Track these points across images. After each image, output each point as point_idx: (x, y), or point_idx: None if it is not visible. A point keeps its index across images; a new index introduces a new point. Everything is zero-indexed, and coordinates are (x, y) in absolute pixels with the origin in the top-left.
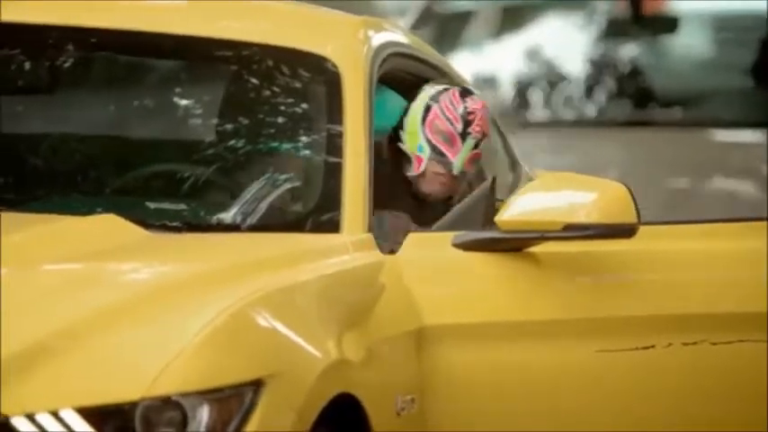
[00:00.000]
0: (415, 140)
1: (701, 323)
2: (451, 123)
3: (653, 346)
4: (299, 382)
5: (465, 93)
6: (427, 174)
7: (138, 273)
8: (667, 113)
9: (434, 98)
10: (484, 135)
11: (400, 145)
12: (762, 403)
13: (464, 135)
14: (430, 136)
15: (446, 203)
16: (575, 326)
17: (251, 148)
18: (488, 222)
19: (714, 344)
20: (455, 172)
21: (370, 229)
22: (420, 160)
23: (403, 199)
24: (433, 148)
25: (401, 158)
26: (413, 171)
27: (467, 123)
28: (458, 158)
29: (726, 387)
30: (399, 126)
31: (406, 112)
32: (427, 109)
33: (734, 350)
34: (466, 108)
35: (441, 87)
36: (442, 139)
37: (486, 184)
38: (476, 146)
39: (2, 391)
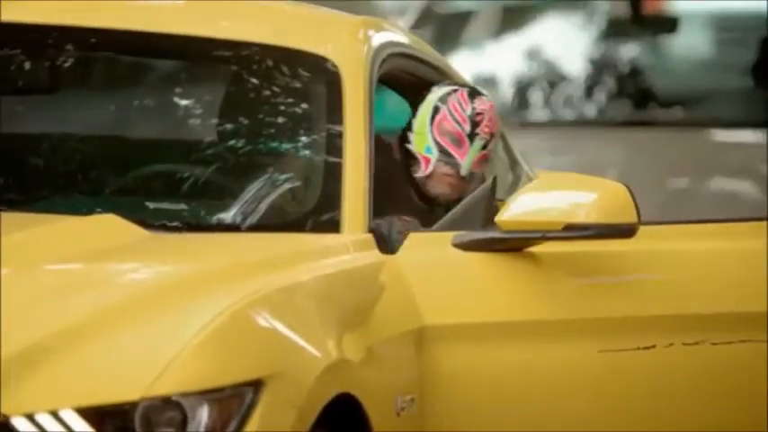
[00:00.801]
0: (423, 141)
1: (702, 323)
2: (459, 124)
3: (654, 347)
4: (299, 382)
5: (473, 93)
6: (435, 175)
7: (138, 273)
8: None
9: (443, 99)
10: (492, 136)
11: (408, 146)
12: (762, 403)
13: (472, 136)
14: (438, 137)
15: (454, 205)
16: (575, 326)
17: (251, 148)
18: (488, 222)
19: (715, 344)
20: (463, 173)
21: (371, 230)
22: (428, 161)
23: (413, 199)
24: (441, 150)
25: (409, 160)
26: (421, 172)
27: (475, 124)
28: (466, 159)
29: (726, 387)
30: (408, 127)
31: (414, 113)
32: (435, 110)
33: (734, 350)
34: (474, 109)
35: (449, 88)
36: (449, 141)
37: (487, 184)
38: (484, 147)
39: (2, 391)
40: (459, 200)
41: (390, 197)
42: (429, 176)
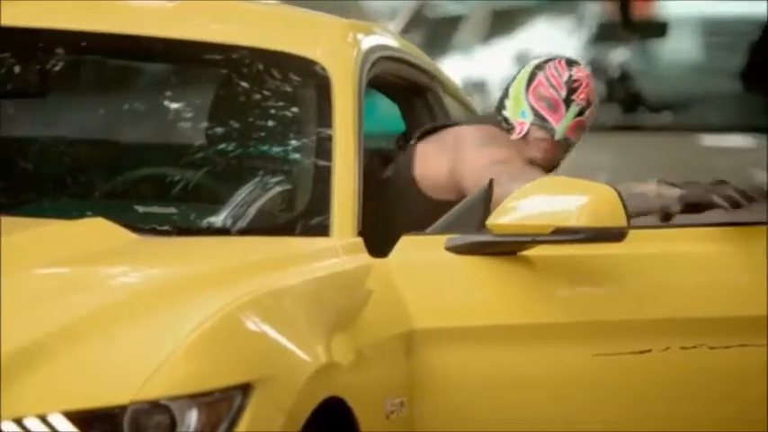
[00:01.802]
0: (518, 106)
1: (699, 327)
2: (556, 90)
3: (649, 350)
4: (288, 385)
5: (571, 62)
6: (529, 139)
7: (127, 276)
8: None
9: (540, 66)
10: (589, 103)
11: (504, 112)
12: (761, 408)
13: (568, 102)
14: (533, 102)
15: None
16: (569, 329)
17: (241, 152)
18: (484, 226)
19: (712, 348)
20: (557, 137)
21: (360, 233)
22: (522, 125)
23: (412, 201)
24: (536, 114)
25: (411, 160)
26: (515, 135)
27: (571, 91)
28: (561, 125)
29: (724, 391)
30: (504, 95)
31: (511, 80)
32: (532, 76)
33: (732, 354)
34: (571, 76)
35: (547, 57)
36: (545, 105)
37: (483, 186)
38: (580, 113)
39: None
40: (553, 167)
41: (390, 199)
42: (523, 139)
